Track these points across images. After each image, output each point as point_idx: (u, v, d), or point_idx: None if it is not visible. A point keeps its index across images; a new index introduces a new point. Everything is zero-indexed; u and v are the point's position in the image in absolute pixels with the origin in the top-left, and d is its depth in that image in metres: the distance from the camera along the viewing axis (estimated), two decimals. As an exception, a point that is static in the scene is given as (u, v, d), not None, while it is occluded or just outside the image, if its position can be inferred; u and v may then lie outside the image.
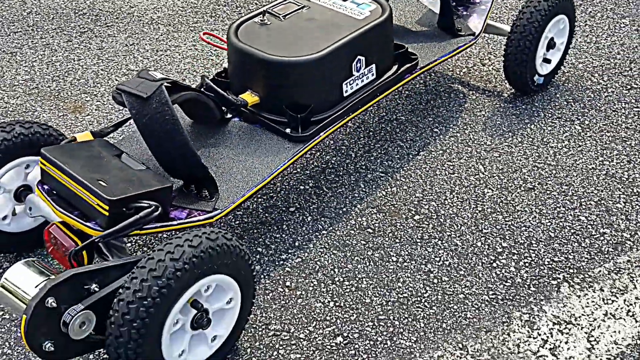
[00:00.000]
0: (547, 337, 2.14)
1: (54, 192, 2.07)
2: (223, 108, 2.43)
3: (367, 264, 2.39)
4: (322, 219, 2.56)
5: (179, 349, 1.85)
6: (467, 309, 2.24)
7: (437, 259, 2.43)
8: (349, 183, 2.74)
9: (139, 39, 3.67)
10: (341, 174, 2.79)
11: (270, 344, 2.11)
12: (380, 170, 2.81)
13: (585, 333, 2.15)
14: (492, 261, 2.42)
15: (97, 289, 1.79)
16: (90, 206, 1.95)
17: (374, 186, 2.73)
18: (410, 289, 2.30)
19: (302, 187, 2.72)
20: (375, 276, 2.34)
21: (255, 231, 2.51)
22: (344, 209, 2.62)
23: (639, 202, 2.67)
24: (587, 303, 2.26)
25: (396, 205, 2.65)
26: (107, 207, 1.91)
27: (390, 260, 2.41)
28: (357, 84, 2.54)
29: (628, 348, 2.12)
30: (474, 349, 2.11)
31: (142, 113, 2.10)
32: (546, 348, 2.11)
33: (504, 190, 2.74)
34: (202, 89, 2.40)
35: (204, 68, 3.45)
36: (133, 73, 3.39)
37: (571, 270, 2.39)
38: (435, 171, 2.82)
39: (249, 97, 2.44)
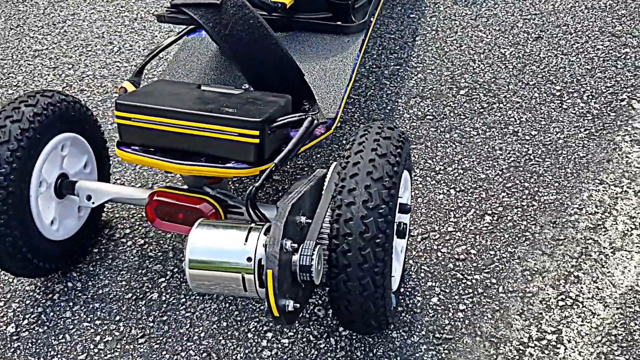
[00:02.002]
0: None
1: (152, 147, 1.57)
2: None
3: (452, 144, 2.19)
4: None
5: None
6: (575, 149, 2.15)
7: (513, 119, 2.30)
8: (372, 85, 2.49)
9: None
10: (358, 77, 2.53)
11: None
12: (393, 64, 2.59)
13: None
14: (560, 105, 2.35)
15: (309, 221, 1.39)
16: (226, 142, 1.50)
17: (398, 79, 2.51)
18: (508, 149, 2.15)
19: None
20: (468, 145, 2.16)
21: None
22: (388, 108, 2.37)
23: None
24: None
25: (435, 88, 2.46)
26: (257, 133, 1.48)
27: (472, 134, 2.24)
28: None
29: None
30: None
31: (221, 23, 1.66)
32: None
33: (518, 45, 2.67)
34: None
35: None
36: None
37: (628, 89, 2.40)
38: (445, 49, 2.67)
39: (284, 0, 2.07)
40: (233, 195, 1.71)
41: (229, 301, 1.76)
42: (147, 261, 1.89)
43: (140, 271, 1.86)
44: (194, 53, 2.07)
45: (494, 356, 1.60)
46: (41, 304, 1.78)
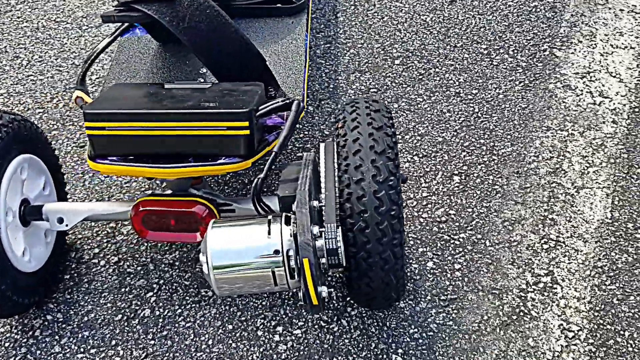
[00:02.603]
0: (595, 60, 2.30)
1: (132, 154, 1.47)
2: None
3: (403, 112, 2.23)
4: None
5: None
6: (516, 102, 2.26)
7: (452, 81, 2.37)
8: (308, 66, 2.47)
9: None
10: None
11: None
12: (322, 42, 2.59)
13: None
14: (490, 62, 2.45)
15: (321, 205, 1.36)
16: (214, 138, 1.43)
17: (332, 57, 2.51)
18: (456, 111, 2.22)
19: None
20: (418, 112, 2.20)
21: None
22: (331, 86, 2.37)
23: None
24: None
25: (370, 61, 2.48)
26: (247, 124, 1.42)
27: (419, 100, 2.28)
28: None
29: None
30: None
31: (178, 16, 1.57)
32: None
33: (436, 11, 2.75)
34: None
35: None
36: None
37: (547, 39, 2.55)
38: (368, 22, 2.69)
39: None
40: (217, 194, 1.64)
41: (227, 302, 1.70)
42: (128, 278, 1.78)
43: (123, 290, 1.75)
44: (134, 53, 1.96)
45: (500, 307, 1.66)
46: (23, 344, 1.63)
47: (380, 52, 2.54)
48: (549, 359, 1.55)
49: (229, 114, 1.42)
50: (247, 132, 1.43)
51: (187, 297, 1.73)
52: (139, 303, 1.72)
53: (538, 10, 2.72)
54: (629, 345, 1.56)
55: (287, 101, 1.53)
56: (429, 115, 2.24)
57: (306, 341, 1.62)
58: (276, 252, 1.27)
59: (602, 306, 1.65)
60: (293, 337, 1.62)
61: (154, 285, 1.76)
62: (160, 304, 1.71)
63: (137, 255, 1.84)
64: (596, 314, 1.63)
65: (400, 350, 1.58)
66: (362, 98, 1.55)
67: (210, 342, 1.62)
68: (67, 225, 1.61)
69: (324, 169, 1.46)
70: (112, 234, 1.89)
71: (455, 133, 2.17)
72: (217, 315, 1.68)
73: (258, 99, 1.50)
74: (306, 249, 1.20)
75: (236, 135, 1.43)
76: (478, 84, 2.36)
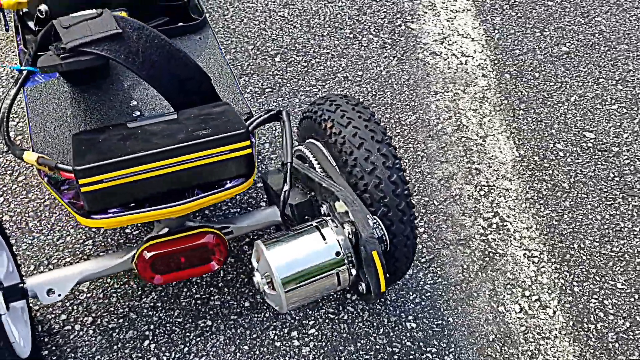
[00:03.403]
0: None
1: (134, 202, 1.36)
2: None
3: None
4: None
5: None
6: (398, 75, 2.45)
7: (335, 68, 2.50)
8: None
9: None
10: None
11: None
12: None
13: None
14: (360, 44, 2.62)
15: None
16: (218, 164, 1.39)
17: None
18: (352, 93, 2.36)
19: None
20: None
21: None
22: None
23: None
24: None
25: (251, 63, 2.51)
26: (248, 142, 1.40)
27: (315, 90, 2.38)
28: None
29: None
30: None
31: (132, 51, 1.48)
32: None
33: (289, 5, 2.85)
34: None
35: None
36: None
37: (397, 15, 2.78)
38: (230, 26, 2.71)
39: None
40: (211, 220, 1.60)
41: (230, 326, 1.67)
42: (114, 334, 1.65)
43: (115, 347, 1.62)
44: (48, 101, 1.78)
45: (472, 254, 1.86)
46: None
47: (257, 53, 2.58)
48: (530, 284, 1.78)
49: (229, 137, 1.40)
50: (250, 150, 1.42)
51: (188, 333, 1.66)
52: (140, 355, 1.61)
53: (378, -10, 2.96)
54: (582, 254, 1.86)
55: (271, 112, 1.54)
56: (330, 103, 2.36)
57: (324, 336, 1.66)
58: (337, 254, 1.31)
59: (547, 229, 1.93)
60: (311, 337, 1.66)
61: (147, 333, 1.66)
62: (164, 349, 1.63)
63: (112, 309, 1.71)
64: (545, 237, 1.90)
65: (410, 317, 1.70)
66: (330, 95, 1.61)
67: (234, 368, 1.59)
68: (59, 296, 1.45)
69: (327, 168, 1.51)
70: (73, 294, 1.73)
71: (361, 114, 2.32)
72: (228, 341, 1.65)
73: (240, 116, 1.50)
74: (373, 242, 1.26)
75: (239, 157, 1.42)
76: (359, 66, 2.53)
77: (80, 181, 1.32)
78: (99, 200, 1.35)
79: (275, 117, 1.55)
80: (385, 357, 1.62)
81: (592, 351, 1.64)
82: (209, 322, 1.69)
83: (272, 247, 1.32)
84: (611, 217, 1.97)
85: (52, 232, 1.91)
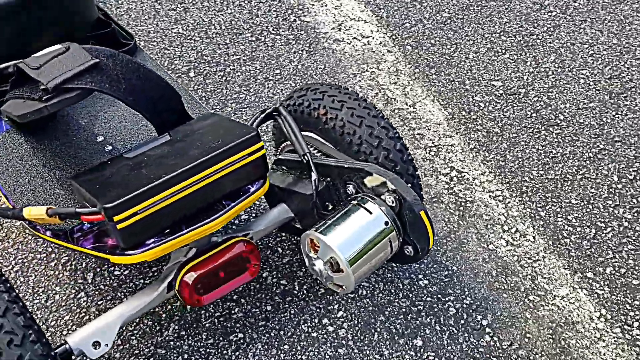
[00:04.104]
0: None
1: (167, 228, 1.35)
2: None
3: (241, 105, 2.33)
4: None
5: None
6: (318, 63, 2.55)
7: (248, 72, 2.54)
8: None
9: None
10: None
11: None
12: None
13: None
14: (266, 44, 2.68)
15: None
16: (238, 171, 1.40)
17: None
18: (286, 93, 2.42)
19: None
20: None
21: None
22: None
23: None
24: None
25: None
26: (261, 143, 1.43)
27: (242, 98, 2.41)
28: None
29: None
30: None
31: (113, 79, 1.45)
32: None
33: (181, 20, 2.83)
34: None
35: None
36: None
37: (289, 11, 2.87)
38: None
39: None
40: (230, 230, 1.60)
41: (260, 332, 1.69)
42: (151, 374, 1.60)
43: (158, 386, 1.58)
44: (6, 156, 1.67)
45: (446, 207, 2.02)
46: None
47: (169, 73, 2.55)
48: (505, 219, 1.98)
49: (243, 142, 1.42)
50: (264, 151, 1.45)
51: (225, 351, 1.66)
52: (187, 385, 1.58)
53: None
54: (534, 184, 2.09)
55: (267, 111, 1.58)
56: (268, 104, 2.41)
57: (353, 315, 1.73)
58: (385, 223, 1.39)
59: (498, 170, 2.15)
60: (342, 319, 1.72)
61: (183, 363, 1.63)
62: (207, 372, 1.61)
63: (136, 351, 1.65)
64: (500, 177, 2.12)
65: (420, 276, 1.83)
66: (308, 86, 1.67)
67: (284, 368, 1.62)
68: (106, 346, 1.39)
69: (331, 152, 1.59)
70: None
71: (295, 108, 2.40)
72: (266, 346, 1.67)
73: (239, 122, 1.52)
74: (419, 203, 1.36)
75: (257, 159, 1.44)
76: (274, 65, 2.59)
77: (115, 218, 1.28)
78: (136, 234, 1.32)
79: (271, 115, 1.59)
80: (414, 316, 1.73)
81: (576, 260, 1.87)
82: (240, 335, 1.70)
83: (328, 232, 1.38)
84: (543, 147, 2.23)
85: (35, 295, 1.79)
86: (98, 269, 1.86)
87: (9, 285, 1.32)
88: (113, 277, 1.83)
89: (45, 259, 1.89)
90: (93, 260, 1.88)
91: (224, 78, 2.53)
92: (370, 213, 1.40)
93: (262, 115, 1.58)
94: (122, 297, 1.78)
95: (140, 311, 1.46)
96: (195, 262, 1.44)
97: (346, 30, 2.80)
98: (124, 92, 1.47)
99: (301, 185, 1.57)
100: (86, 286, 1.81)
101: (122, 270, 1.85)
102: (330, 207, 1.56)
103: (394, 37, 2.75)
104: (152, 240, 1.35)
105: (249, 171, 1.44)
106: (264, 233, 1.63)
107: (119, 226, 1.29)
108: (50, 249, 1.91)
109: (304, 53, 2.66)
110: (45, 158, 1.67)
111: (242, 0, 2.96)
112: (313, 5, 2.96)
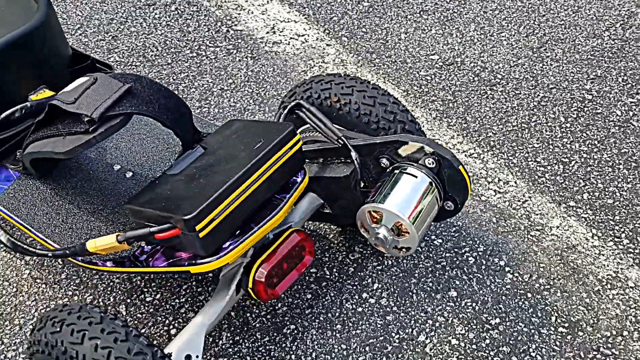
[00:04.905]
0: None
1: (237, 229, 1.40)
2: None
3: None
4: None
5: None
6: (271, 71, 2.63)
7: (219, 77, 2.57)
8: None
9: None
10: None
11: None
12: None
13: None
14: (217, 59, 2.72)
15: None
16: (286, 163, 1.48)
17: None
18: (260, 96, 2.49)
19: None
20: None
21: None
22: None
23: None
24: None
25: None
26: (298, 136, 1.51)
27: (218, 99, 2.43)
28: None
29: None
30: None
31: (145, 101, 1.49)
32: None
33: (127, 37, 2.80)
34: None
35: None
36: None
37: (218, 24, 2.91)
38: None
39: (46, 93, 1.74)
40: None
41: (311, 318, 1.78)
42: (223, 382, 1.63)
43: (234, 391, 1.61)
44: (29, 202, 1.64)
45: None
46: None
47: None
48: (486, 173, 2.18)
49: (285, 137, 1.49)
50: (301, 142, 1.54)
51: (284, 345, 1.72)
52: (261, 383, 1.63)
53: (184, 8, 3.06)
54: (499, 137, 2.31)
55: (289, 107, 1.66)
56: (233, 113, 2.46)
57: (388, 284, 1.86)
58: (430, 183, 1.52)
59: (465, 132, 2.35)
60: (379, 290, 1.84)
61: (250, 364, 1.68)
62: (275, 367, 1.67)
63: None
64: (470, 139, 2.32)
65: (433, 236, 1.98)
66: (312, 79, 1.77)
67: (352, 346, 1.71)
68: (197, 357, 1.41)
69: (350, 134, 1.69)
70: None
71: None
72: (321, 330, 1.75)
73: (268, 121, 1.59)
74: (457, 159, 1.51)
75: (297, 151, 1.53)
76: (225, 75, 2.65)
77: (197, 227, 1.32)
78: (215, 240, 1.37)
79: (293, 109, 1.67)
80: (442, 272, 1.88)
81: (558, 192, 2.11)
82: (292, 326, 1.77)
83: (385, 200, 1.50)
84: (494, 105, 2.47)
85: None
86: (128, 300, 1.85)
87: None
88: (147, 304, 1.83)
89: (68, 301, 1.85)
90: (120, 292, 1.86)
91: (181, 95, 2.55)
92: (415, 177, 1.53)
93: (285, 111, 1.66)
94: (165, 320, 1.79)
95: (217, 317, 1.50)
96: (261, 260, 1.50)
97: (280, 32, 2.90)
98: (158, 112, 1.50)
99: (331, 170, 1.67)
100: (125, 318, 1.80)
101: (153, 295, 1.85)
102: (362, 184, 1.68)
103: (327, 31, 2.89)
104: (229, 243, 1.40)
105: (293, 163, 1.53)
106: (301, 224, 1.72)
107: (200, 235, 1.33)
108: (70, 292, 1.87)
109: (249, 60, 2.74)
110: (70, 196, 1.65)
111: (168, 21, 2.98)
112: (240, 14, 3.03)
